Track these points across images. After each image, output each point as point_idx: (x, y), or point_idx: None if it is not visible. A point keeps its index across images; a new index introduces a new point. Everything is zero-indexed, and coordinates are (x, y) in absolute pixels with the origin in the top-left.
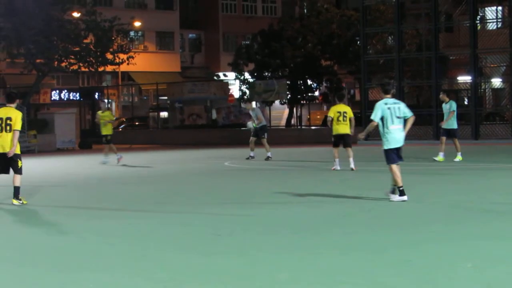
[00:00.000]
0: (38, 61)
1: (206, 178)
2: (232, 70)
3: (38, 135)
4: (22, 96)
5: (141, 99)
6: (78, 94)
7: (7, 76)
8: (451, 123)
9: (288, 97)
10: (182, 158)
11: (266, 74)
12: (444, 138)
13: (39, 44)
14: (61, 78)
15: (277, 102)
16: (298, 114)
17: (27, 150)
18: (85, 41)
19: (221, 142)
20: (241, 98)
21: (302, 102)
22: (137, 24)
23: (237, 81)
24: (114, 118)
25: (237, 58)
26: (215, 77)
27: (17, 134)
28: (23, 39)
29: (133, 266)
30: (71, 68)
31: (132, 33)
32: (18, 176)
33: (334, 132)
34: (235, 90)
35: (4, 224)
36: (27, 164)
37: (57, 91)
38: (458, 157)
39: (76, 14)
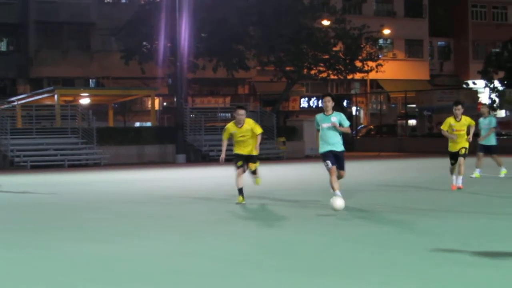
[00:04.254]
0: (287, 68)
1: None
2: (482, 78)
3: (287, 142)
4: (272, 103)
5: (389, 107)
6: None
7: (257, 83)
8: (490, 139)
9: None
10: (432, 166)
11: None
12: (481, 154)
13: (289, 52)
14: (310, 86)
15: None
16: None
17: (276, 157)
18: (335, 49)
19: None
20: (490, 106)
21: None
22: (386, 32)
23: (487, 89)
24: None
25: (487, 65)
26: (464, 85)
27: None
28: (274, 47)
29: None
30: (320, 75)
31: (381, 41)
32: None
33: None
34: (484, 98)
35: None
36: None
37: (306, 98)
38: (503, 172)
39: (325, 22)
